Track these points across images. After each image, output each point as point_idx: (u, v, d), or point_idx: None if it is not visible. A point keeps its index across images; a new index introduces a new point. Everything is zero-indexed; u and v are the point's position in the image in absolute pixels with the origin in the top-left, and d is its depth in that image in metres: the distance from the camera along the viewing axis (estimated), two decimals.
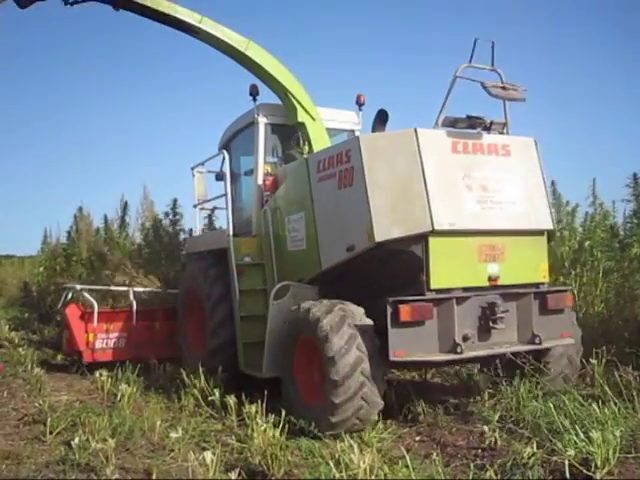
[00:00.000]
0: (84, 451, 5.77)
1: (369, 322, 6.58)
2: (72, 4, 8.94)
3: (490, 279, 6.83)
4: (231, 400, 7.32)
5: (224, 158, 9.42)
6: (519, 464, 5.14)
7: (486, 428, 6.08)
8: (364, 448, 5.53)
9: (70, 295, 11.70)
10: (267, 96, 9.33)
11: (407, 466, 5.12)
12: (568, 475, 4.85)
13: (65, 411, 7.33)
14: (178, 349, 9.97)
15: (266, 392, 7.16)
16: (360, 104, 9.70)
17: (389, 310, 6.16)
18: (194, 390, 7.86)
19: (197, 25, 8.82)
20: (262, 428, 5.87)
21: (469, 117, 7.19)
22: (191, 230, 11.44)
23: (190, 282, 9.79)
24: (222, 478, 5.13)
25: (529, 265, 7.17)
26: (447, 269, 6.63)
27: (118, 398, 7.79)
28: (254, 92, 9.07)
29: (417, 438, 6.46)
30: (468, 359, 7.04)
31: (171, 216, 15.52)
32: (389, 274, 6.92)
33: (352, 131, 9.69)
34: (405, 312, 6.18)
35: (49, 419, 6.81)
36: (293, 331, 7.09)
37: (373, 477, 4.91)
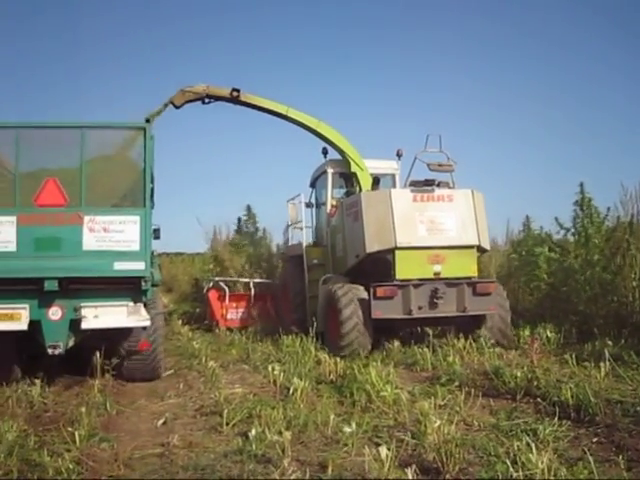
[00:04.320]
0: (260, 442, 6.17)
1: (365, 295, 11.55)
2: (207, 103, 13.96)
3: (435, 274, 11.69)
4: (403, 396, 7.56)
5: (311, 193, 15.71)
6: None
7: None
8: (540, 447, 5.57)
9: (211, 284, 17.85)
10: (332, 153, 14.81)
11: (586, 468, 5.15)
12: None
13: (240, 403, 7.81)
14: (278, 319, 15.47)
15: (439, 388, 7.33)
16: (399, 155, 14.39)
17: (371, 290, 11.29)
18: (366, 385, 8.15)
19: (285, 113, 14.14)
20: (436, 424, 6.03)
21: (426, 180, 12.26)
22: (287, 241, 17.18)
23: (284, 276, 16.11)
24: (397, 474, 5.32)
25: (462, 266, 11.87)
26: (407, 268, 11.62)
27: (291, 392, 8.18)
28: (324, 152, 14.82)
29: (594, 440, 6.36)
30: (420, 319, 11.68)
31: (246, 218, 23.63)
32: (376, 270, 11.88)
33: (393, 175, 14.73)
34: (380, 291, 11.28)
35: (225, 411, 7.27)
36: (328, 302, 12.27)
37: (552, 478, 4.97)
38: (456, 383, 8.71)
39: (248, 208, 23.90)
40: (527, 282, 14.96)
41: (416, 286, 11.41)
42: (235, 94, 13.76)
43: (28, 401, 8.33)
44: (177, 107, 13.36)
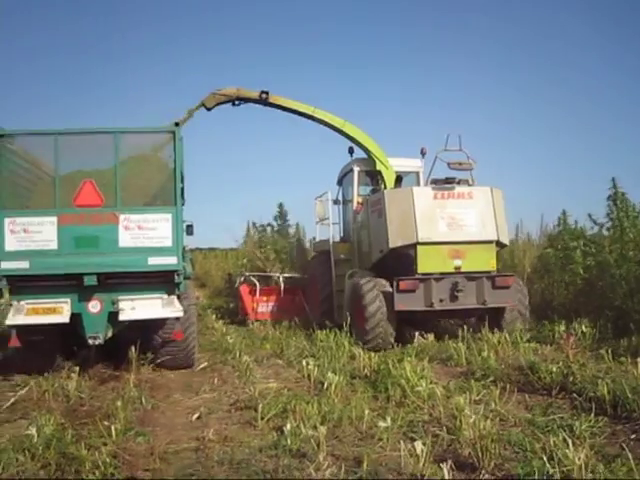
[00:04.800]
0: (295, 437, 6.19)
1: (388, 289, 12.01)
2: (237, 105, 14.79)
3: (455, 268, 12.15)
4: (438, 390, 7.53)
5: (338, 190, 16.30)
6: None
7: None
8: (577, 443, 5.50)
9: (242, 279, 18.41)
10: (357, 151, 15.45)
11: (625, 465, 5.10)
12: None
13: (275, 398, 7.84)
14: (306, 312, 15.86)
15: (473, 383, 7.29)
16: (423, 153, 14.67)
17: (394, 283, 11.77)
18: (401, 380, 8.14)
19: (311, 114, 14.85)
20: (471, 420, 6.01)
21: (446, 178, 12.85)
22: (314, 238, 18.52)
23: (313, 270, 16.35)
24: (433, 469, 5.31)
25: (481, 260, 12.31)
26: (428, 262, 12.14)
27: (325, 386, 8.21)
28: (350, 151, 15.48)
29: (632, 436, 6.30)
30: (440, 311, 12.12)
31: (278, 220, 24.73)
32: (399, 265, 12.43)
33: (417, 173, 15.22)
34: (403, 284, 11.76)
35: (260, 405, 7.32)
36: (354, 296, 12.78)
37: (590, 475, 4.92)
38: (491, 378, 8.66)
39: (280, 205, 24.91)
40: (562, 277, 14.79)
41: (437, 280, 11.93)
42: (264, 96, 14.51)
43: (65, 395, 8.48)
44: (208, 109, 14.32)
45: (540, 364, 8.79)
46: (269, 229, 24.87)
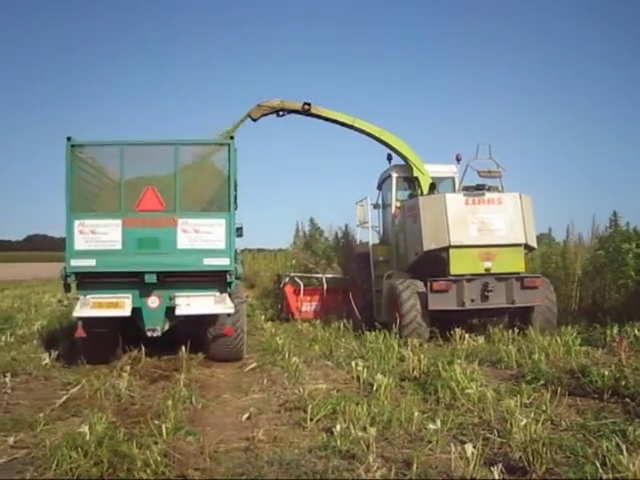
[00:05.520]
0: (345, 438, 6.22)
1: (423, 289, 12.76)
2: (281, 116, 15.69)
3: (485, 269, 12.80)
4: (489, 393, 7.49)
5: (378, 195, 17.03)
6: None
7: None
8: (630, 448, 5.42)
9: (287, 279, 18.88)
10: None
11: None
12: None
13: (324, 399, 7.82)
14: (348, 310, 16.19)
15: (524, 386, 7.20)
16: (458, 159, 15.15)
17: (428, 284, 12.53)
18: (450, 382, 8.10)
19: (351, 123, 15.74)
20: (522, 423, 5.97)
21: (477, 185, 13.52)
22: (355, 240, 19.08)
23: (353, 271, 16.90)
24: (483, 472, 5.29)
25: (510, 262, 12.91)
26: (460, 264, 12.79)
27: (374, 388, 8.21)
28: (389, 158, 16.27)
29: None
30: (471, 309, 12.73)
31: (311, 228, 25.42)
32: (433, 266, 13.09)
33: (452, 178, 15.78)
34: (436, 285, 12.51)
35: (309, 406, 7.34)
36: (391, 295, 13.63)
37: None
38: (541, 381, 8.57)
39: (311, 220, 25.70)
40: (614, 279, 14.55)
41: (469, 280, 12.66)
42: (306, 107, 15.48)
43: (116, 394, 8.60)
44: (254, 120, 15.41)
45: (592, 367, 8.67)
46: (317, 232, 25.38)
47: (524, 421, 6.00)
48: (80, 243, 10.15)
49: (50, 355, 11.05)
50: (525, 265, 13.37)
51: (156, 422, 6.80)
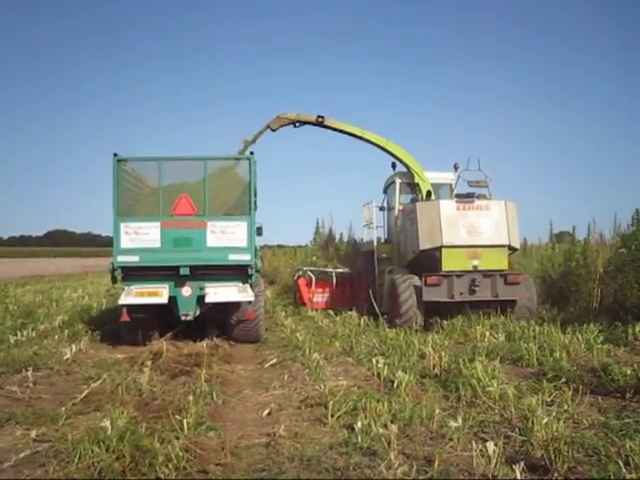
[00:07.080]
0: (366, 435, 6.22)
1: (418, 283, 14.35)
2: (298, 127, 17.55)
3: (473, 267, 14.45)
4: (510, 391, 7.46)
5: (383, 198, 18.66)
6: None
7: None
8: None
9: (300, 272, 20.78)
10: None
11: None
12: None
13: (344, 396, 7.82)
14: (354, 302, 18.33)
15: (545, 384, 7.16)
16: (456, 168, 16.03)
17: (423, 279, 14.18)
18: (472, 380, 8.08)
19: (360, 134, 17.44)
20: (544, 421, 5.95)
21: (467, 193, 15.42)
22: (362, 239, 20.59)
23: (359, 267, 18.90)
24: (504, 470, 5.27)
25: (495, 261, 14.62)
26: (451, 262, 14.45)
27: (395, 385, 8.22)
28: (393, 165, 17.78)
29: None
30: (461, 301, 14.30)
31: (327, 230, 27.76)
32: (428, 263, 14.70)
33: (450, 185, 17.10)
34: (430, 280, 14.17)
35: (330, 403, 7.33)
36: (391, 288, 15.26)
37: None
38: (563, 379, 8.52)
39: (317, 227, 28.39)
40: (636, 277, 14.39)
41: (458, 276, 14.43)
42: (320, 119, 17.40)
43: (137, 389, 8.65)
44: (273, 130, 17.32)
45: (613, 366, 8.63)
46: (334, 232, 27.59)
47: (545, 419, 5.99)
48: (125, 242, 12.10)
49: (71, 350, 11.16)
50: (509, 263, 15.21)
51: (177, 417, 6.83)
